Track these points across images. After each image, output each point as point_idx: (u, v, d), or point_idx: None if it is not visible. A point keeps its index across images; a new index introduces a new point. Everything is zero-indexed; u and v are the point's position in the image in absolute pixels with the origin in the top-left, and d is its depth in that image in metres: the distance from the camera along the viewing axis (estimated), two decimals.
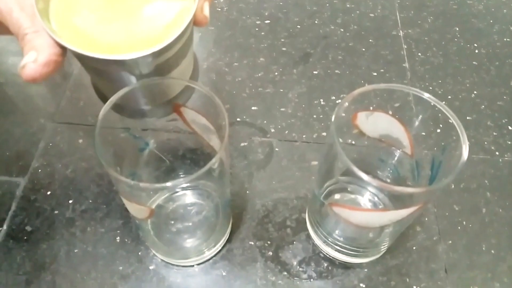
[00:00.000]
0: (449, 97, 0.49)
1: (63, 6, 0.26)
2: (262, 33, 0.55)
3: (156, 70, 0.26)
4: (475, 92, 0.50)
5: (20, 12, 0.23)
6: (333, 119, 0.28)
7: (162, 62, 0.26)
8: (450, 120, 0.28)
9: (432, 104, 0.29)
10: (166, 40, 0.23)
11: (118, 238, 0.37)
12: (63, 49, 0.24)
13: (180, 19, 0.25)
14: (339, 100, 0.48)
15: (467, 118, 0.47)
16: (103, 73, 0.26)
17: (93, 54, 0.23)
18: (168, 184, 0.24)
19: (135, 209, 0.29)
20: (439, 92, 0.49)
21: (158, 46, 0.23)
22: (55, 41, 0.23)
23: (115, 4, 0.26)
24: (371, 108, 0.31)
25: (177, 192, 0.36)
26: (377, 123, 0.32)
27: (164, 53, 0.25)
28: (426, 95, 0.29)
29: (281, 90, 0.49)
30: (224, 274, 0.36)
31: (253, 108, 0.47)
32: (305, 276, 0.36)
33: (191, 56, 0.30)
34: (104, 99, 0.28)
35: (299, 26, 0.56)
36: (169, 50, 0.25)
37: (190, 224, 0.36)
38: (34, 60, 0.23)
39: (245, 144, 0.44)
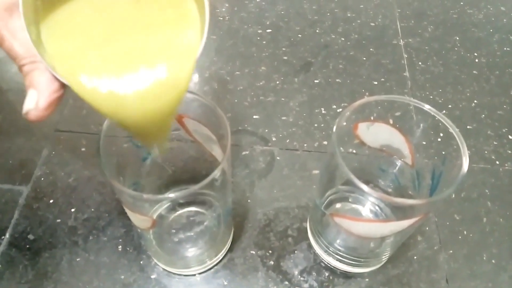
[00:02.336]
0: (450, 106, 0.49)
1: (56, 34, 0.22)
2: (264, 42, 0.55)
3: None
4: (475, 101, 0.50)
5: (12, 40, 0.21)
6: (334, 129, 0.29)
7: None
8: (450, 131, 0.28)
9: (432, 114, 0.29)
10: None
11: (120, 247, 0.37)
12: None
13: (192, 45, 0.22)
14: (340, 109, 0.48)
15: (468, 127, 0.47)
16: None
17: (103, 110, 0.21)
18: (171, 195, 0.24)
19: (137, 219, 0.29)
20: (440, 101, 0.50)
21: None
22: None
23: (114, 33, 0.23)
24: (372, 117, 0.32)
25: (179, 201, 0.36)
26: (377, 134, 0.32)
27: None
28: (426, 107, 0.29)
29: (283, 99, 0.49)
30: (225, 283, 0.36)
31: (254, 116, 0.47)
32: (306, 285, 0.36)
33: None
34: None
35: (300, 35, 0.56)
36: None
37: (192, 233, 0.36)
38: (35, 107, 0.22)
39: (247, 152, 0.44)
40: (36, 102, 0.22)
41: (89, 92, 0.21)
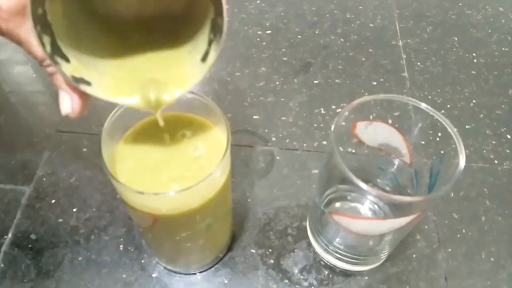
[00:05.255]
0: (448, 106, 0.50)
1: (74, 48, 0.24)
2: (264, 43, 0.56)
3: None
4: (474, 101, 0.50)
5: (30, 44, 0.22)
6: (332, 128, 0.29)
7: None
8: (447, 130, 0.29)
9: (430, 113, 0.30)
10: None
11: (121, 246, 0.38)
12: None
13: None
14: (340, 109, 0.48)
15: (466, 126, 0.48)
16: None
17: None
18: (171, 193, 0.24)
19: (138, 218, 0.29)
20: (438, 101, 0.50)
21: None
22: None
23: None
24: (371, 117, 0.32)
25: None
26: (376, 133, 0.33)
27: None
28: (423, 105, 0.30)
29: (282, 99, 0.49)
30: (226, 281, 0.36)
31: (254, 117, 0.48)
32: (306, 283, 0.36)
33: None
34: None
35: (299, 36, 0.57)
36: None
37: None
38: (72, 111, 0.24)
39: (247, 152, 0.45)
40: (71, 106, 0.24)
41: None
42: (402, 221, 0.28)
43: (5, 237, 0.38)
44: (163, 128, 0.29)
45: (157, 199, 0.25)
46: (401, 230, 0.31)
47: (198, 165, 0.28)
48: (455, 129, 0.28)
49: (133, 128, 0.30)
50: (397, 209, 0.31)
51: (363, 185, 0.26)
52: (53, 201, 0.40)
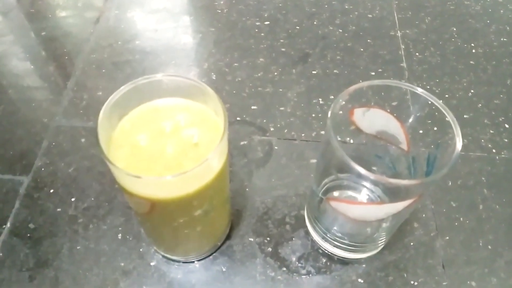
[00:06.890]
0: (447, 96, 0.49)
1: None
2: (262, 34, 0.55)
3: None
4: (472, 91, 0.50)
5: None
6: (329, 115, 0.29)
7: None
8: (444, 116, 0.29)
9: (426, 98, 0.30)
10: None
11: (120, 235, 0.38)
12: None
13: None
14: None
15: (464, 116, 0.48)
16: None
17: None
18: (168, 177, 0.24)
19: (135, 203, 0.29)
20: (437, 91, 0.50)
21: None
22: None
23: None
24: (368, 104, 0.32)
25: None
26: (373, 120, 0.33)
27: None
28: (419, 90, 0.30)
29: (280, 90, 0.49)
30: (224, 269, 0.36)
31: (252, 107, 0.47)
32: (304, 271, 0.36)
33: None
34: None
35: (298, 27, 0.57)
36: None
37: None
38: None
39: (245, 142, 0.45)
40: None
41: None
42: (399, 205, 0.28)
43: (4, 226, 0.38)
44: (161, 115, 0.29)
45: (155, 183, 0.25)
46: (398, 216, 0.31)
47: (196, 152, 0.28)
48: (450, 112, 0.28)
49: (130, 114, 0.30)
50: (394, 195, 0.31)
51: (360, 169, 0.26)
52: (51, 190, 0.40)
